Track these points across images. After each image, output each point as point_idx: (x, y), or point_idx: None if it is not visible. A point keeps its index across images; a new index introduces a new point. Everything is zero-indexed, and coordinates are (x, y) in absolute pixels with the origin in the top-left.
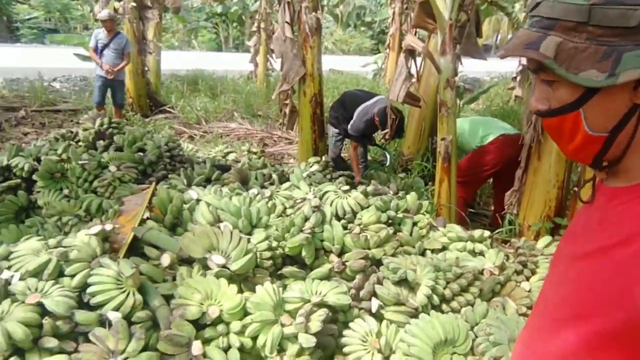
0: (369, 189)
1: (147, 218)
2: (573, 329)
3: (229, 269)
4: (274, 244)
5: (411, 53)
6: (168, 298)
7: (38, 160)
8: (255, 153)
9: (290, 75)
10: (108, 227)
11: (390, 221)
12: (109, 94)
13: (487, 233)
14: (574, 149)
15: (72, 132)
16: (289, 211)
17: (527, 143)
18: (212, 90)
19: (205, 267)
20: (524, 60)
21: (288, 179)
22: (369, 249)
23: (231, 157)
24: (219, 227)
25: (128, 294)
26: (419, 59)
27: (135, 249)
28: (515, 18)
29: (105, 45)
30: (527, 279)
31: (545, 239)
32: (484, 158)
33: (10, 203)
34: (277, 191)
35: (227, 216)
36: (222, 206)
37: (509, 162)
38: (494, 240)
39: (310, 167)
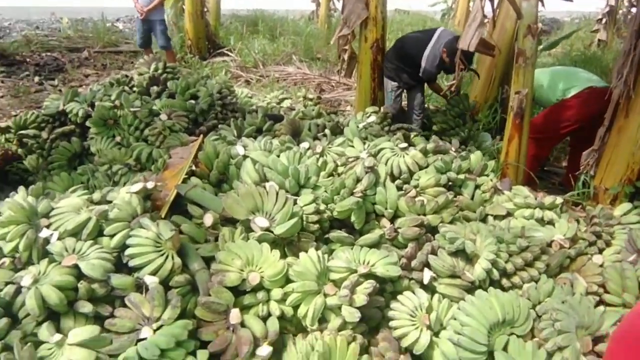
0: (429, 146)
1: (193, 173)
2: None
3: (272, 232)
4: (322, 206)
5: None
6: (209, 260)
7: (92, 105)
8: (311, 99)
9: (351, 18)
10: (150, 184)
11: (450, 183)
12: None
13: (559, 200)
14: None
15: (127, 76)
16: (340, 169)
17: (615, 98)
18: (272, 32)
19: (249, 229)
20: (612, 1)
21: (342, 131)
22: (425, 214)
23: (286, 103)
24: (264, 187)
25: (167, 257)
26: (495, 1)
27: (179, 206)
28: None
29: None
30: (601, 251)
31: (624, 206)
32: (565, 113)
33: (63, 149)
34: (330, 147)
35: (274, 175)
36: (270, 164)
37: (593, 119)
38: (565, 205)
39: (368, 117)
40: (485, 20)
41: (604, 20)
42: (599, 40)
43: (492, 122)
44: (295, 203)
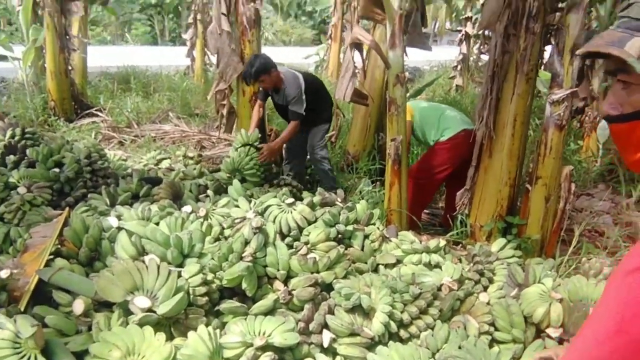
0: (316, 199)
1: (58, 253)
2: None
3: (155, 312)
4: (210, 276)
5: (357, 46)
6: (82, 355)
7: None
8: (191, 158)
9: (227, 72)
10: (4, 273)
11: (340, 236)
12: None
13: (442, 242)
14: None
15: None
16: (227, 232)
17: (479, 140)
18: (146, 89)
19: (128, 312)
20: (464, 49)
21: (227, 190)
22: (318, 272)
23: (165, 164)
24: (143, 262)
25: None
26: (364, 52)
27: (42, 294)
28: (455, 5)
29: None
30: (485, 289)
31: (499, 242)
32: (439, 157)
33: None
34: (214, 209)
35: (153, 246)
36: (148, 234)
37: (464, 161)
38: (447, 245)
39: None
40: (357, 71)
41: (459, 67)
42: (456, 85)
43: (372, 169)
44: (179, 276)
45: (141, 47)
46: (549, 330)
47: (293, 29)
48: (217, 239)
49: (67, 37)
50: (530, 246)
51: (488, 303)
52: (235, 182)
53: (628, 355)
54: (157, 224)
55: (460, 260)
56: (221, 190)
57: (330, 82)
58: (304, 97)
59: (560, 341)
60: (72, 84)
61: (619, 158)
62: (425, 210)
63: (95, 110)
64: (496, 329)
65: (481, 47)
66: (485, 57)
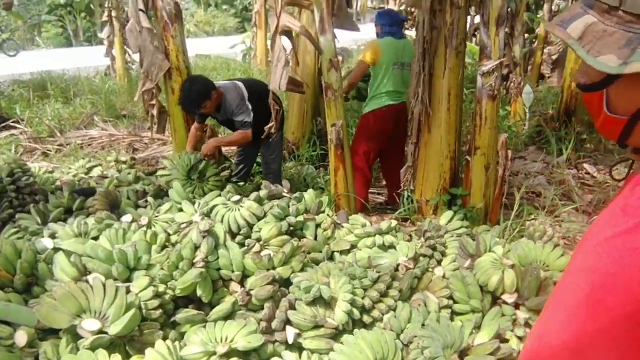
0: (262, 193)
1: None
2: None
3: (107, 333)
4: (162, 287)
5: (288, 34)
6: None
7: None
8: (124, 162)
9: (152, 71)
10: None
11: (291, 228)
12: None
13: (394, 223)
14: (599, 127)
15: None
16: (173, 238)
17: (417, 117)
18: (65, 94)
19: (77, 337)
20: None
21: (167, 194)
22: (274, 268)
23: (96, 172)
24: (87, 282)
25: None
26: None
27: None
28: None
29: None
30: (439, 263)
31: (447, 215)
32: (366, 133)
33: None
34: (157, 215)
35: (96, 264)
36: (88, 252)
37: (392, 137)
38: (398, 223)
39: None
40: (289, 58)
41: None
42: None
43: (315, 155)
44: (128, 292)
45: (55, 50)
46: (505, 297)
47: (215, 19)
48: (163, 247)
49: None
50: (475, 215)
51: (444, 277)
52: (176, 184)
53: (599, 326)
54: (97, 238)
55: (411, 237)
56: (161, 194)
57: (260, 71)
58: (248, 104)
59: (517, 306)
60: None
61: (545, 119)
62: (370, 190)
63: (12, 122)
64: (455, 302)
65: (406, 23)
66: (409, 33)
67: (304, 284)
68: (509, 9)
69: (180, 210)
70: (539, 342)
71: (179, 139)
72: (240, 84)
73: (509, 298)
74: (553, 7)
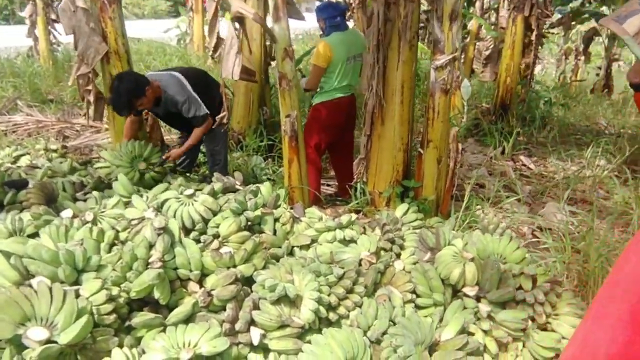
0: (217, 186)
1: None
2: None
3: (57, 342)
4: (115, 290)
5: (240, 21)
6: None
7: None
8: (55, 151)
9: (89, 54)
10: None
11: (249, 223)
12: None
13: (353, 216)
14: None
15: None
16: (122, 235)
17: (370, 109)
18: None
19: (22, 347)
20: None
21: (109, 186)
22: (235, 266)
23: (24, 161)
24: (30, 286)
25: None
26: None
27: None
28: None
29: None
30: (398, 255)
31: (402, 207)
32: (316, 124)
33: None
34: (102, 211)
35: (40, 266)
36: (30, 252)
37: (342, 128)
38: (349, 213)
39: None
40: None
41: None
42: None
43: (261, 145)
44: (78, 296)
45: None
46: (466, 289)
47: (145, 1)
48: (112, 245)
49: None
50: (427, 207)
51: (404, 270)
52: (121, 176)
53: None
54: (34, 236)
55: (365, 229)
56: (102, 186)
57: (198, 57)
58: (194, 95)
59: (477, 299)
60: None
61: (482, 112)
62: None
63: None
64: (418, 296)
65: (350, 13)
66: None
67: (268, 282)
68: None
69: (128, 204)
70: (581, 351)
71: (117, 126)
72: (178, 74)
73: (470, 291)
74: (484, 4)
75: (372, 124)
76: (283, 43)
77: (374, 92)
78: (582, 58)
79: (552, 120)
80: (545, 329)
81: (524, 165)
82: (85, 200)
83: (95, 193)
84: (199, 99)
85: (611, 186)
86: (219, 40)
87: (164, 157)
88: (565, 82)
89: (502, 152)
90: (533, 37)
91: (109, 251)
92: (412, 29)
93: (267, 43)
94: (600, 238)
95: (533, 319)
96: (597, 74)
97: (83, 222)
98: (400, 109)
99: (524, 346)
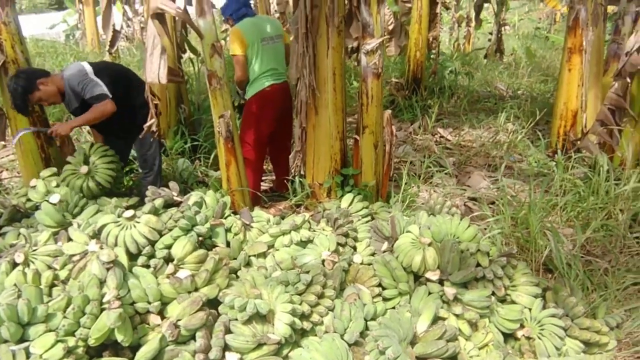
0: (157, 202)
1: None
2: None
3: None
4: (71, 341)
5: (161, 18)
6: None
7: None
8: None
9: None
10: None
11: (200, 239)
12: None
13: (307, 215)
14: None
15: None
16: (62, 273)
17: (303, 99)
18: None
19: None
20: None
21: (26, 215)
22: (197, 289)
23: None
24: None
25: None
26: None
27: None
28: None
29: None
30: (354, 249)
31: (348, 197)
32: (250, 120)
33: None
34: (34, 249)
35: None
36: None
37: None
38: (289, 210)
39: (55, 187)
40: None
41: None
42: None
43: (185, 147)
44: (29, 355)
45: None
46: (428, 275)
47: None
48: (51, 287)
49: None
50: (368, 193)
51: (362, 263)
52: (45, 204)
53: None
54: None
55: (310, 224)
56: (18, 217)
57: (95, 54)
58: (93, 77)
59: (441, 282)
60: None
61: (396, 87)
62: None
63: None
64: (384, 288)
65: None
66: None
67: (237, 302)
68: None
69: (57, 234)
70: None
71: (25, 144)
72: (83, 63)
73: (432, 275)
74: None
75: (306, 115)
76: (210, 39)
77: (306, 81)
78: (473, 24)
79: (458, 90)
80: (504, 301)
81: (442, 137)
82: (2, 236)
83: (24, 230)
84: (99, 81)
85: (523, 148)
86: (115, 33)
87: (48, 131)
88: (467, 52)
89: (419, 127)
90: (438, 10)
91: (49, 294)
92: (339, 14)
93: (177, 34)
94: (537, 205)
95: (493, 294)
96: (489, 40)
97: (10, 263)
98: (333, 96)
99: (489, 322)
